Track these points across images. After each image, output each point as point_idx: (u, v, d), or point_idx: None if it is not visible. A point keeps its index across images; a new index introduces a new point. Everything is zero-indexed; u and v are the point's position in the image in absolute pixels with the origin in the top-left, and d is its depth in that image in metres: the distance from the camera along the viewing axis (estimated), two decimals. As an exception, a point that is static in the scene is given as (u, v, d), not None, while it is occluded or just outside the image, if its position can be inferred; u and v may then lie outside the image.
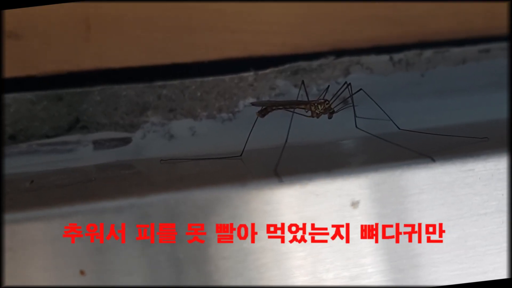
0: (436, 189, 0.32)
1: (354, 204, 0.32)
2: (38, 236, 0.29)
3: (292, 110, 0.40)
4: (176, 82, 0.47)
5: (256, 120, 0.41)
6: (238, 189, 0.31)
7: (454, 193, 0.32)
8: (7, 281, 0.29)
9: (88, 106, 0.46)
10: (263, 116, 0.42)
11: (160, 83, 0.47)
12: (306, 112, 0.42)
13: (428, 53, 0.49)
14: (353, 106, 0.40)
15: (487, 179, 0.33)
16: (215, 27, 0.47)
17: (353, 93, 0.40)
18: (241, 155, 0.41)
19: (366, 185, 0.32)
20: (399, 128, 0.41)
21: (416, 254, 0.33)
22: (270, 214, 0.31)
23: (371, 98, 0.40)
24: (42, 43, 0.45)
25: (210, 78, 0.47)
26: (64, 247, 0.29)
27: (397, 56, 0.49)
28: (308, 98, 0.43)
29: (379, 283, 0.32)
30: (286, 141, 0.37)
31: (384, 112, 0.40)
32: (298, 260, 0.32)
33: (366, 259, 0.32)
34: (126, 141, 0.46)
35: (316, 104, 0.41)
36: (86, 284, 0.30)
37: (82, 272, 0.29)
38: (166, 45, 0.47)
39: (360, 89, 0.40)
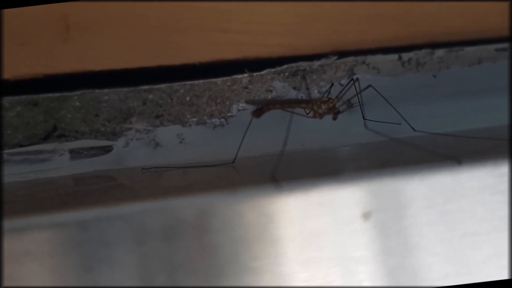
0: (463, 198, 0.28)
1: (366, 216, 0.29)
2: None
3: (291, 110, 0.36)
4: (163, 86, 0.45)
5: (250, 122, 0.37)
6: (229, 198, 0.26)
7: (484, 201, 0.28)
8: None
9: (67, 112, 0.44)
10: (258, 116, 0.38)
11: (145, 87, 0.44)
12: (308, 113, 0.38)
13: (440, 52, 0.46)
14: (361, 105, 0.36)
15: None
16: (206, 27, 0.45)
17: (361, 89, 0.36)
18: (233, 162, 0.38)
19: (380, 192, 0.28)
20: (414, 130, 0.37)
21: (438, 276, 0.28)
22: (266, 228, 0.27)
23: (383, 97, 0.36)
24: (16, 43, 0.43)
25: (201, 81, 0.45)
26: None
27: (406, 55, 0.47)
28: (310, 96, 0.39)
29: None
30: (284, 144, 0.33)
31: (398, 111, 0.36)
32: (301, 282, 0.27)
33: (382, 280, 0.28)
34: (106, 149, 0.42)
35: (319, 103, 0.38)
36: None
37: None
38: (153, 46, 0.44)
39: (369, 85, 0.36)
